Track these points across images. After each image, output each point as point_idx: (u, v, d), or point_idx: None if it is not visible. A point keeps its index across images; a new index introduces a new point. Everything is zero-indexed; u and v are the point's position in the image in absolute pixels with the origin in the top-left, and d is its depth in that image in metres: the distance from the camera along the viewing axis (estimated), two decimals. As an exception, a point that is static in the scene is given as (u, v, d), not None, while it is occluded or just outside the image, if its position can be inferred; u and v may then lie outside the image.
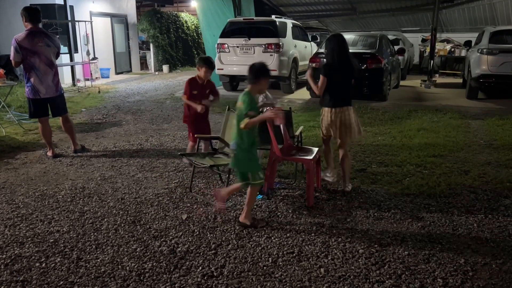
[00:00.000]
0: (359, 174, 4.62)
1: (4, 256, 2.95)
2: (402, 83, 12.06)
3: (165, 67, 16.92)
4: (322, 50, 9.76)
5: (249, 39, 10.11)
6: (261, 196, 3.97)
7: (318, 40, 13.57)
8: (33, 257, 2.93)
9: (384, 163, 5.02)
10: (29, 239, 3.19)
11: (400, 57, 11.83)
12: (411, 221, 3.50)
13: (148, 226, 3.41)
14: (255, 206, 3.78)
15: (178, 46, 18.17)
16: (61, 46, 11.05)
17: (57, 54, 5.24)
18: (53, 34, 5.30)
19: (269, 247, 3.09)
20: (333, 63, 4.09)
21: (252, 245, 3.11)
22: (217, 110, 8.52)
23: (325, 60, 4.13)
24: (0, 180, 4.47)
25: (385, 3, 16.49)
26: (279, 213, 3.65)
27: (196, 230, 3.34)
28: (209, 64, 4.65)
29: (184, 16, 19.17)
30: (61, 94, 5.31)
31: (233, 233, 3.30)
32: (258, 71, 3.33)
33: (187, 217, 3.57)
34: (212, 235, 3.27)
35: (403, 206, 3.81)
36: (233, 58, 10.38)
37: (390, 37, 12.87)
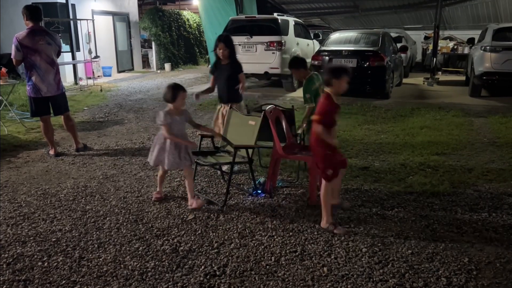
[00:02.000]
0: (361, 172, 4.61)
1: (6, 255, 2.95)
2: (404, 80, 12.02)
3: (167, 66, 16.90)
4: (324, 48, 9.75)
5: (251, 37, 10.09)
6: (263, 195, 3.96)
7: (320, 38, 13.55)
8: (35, 256, 2.93)
9: (387, 161, 5.00)
10: (31, 238, 3.19)
11: (402, 55, 11.79)
12: (414, 220, 3.48)
13: (150, 225, 3.40)
14: (257, 205, 3.77)
15: (180, 44, 18.14)
16: (63, 45, 11.01)
17: (58, 53, 5.23)
18: (54, 33, 5.28)
19: (271, 246, 3.07)
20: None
21: (255, 244, 3.10)
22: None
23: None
24: (2, 179, 4.47)
25: (388, 1, 16.45)
26: (281, 212, 3.64)
27: (198, 229, 3.32)
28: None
29: (186, 14, 19.14)
30: (62, 93, 5.30)
31: (235, 232, 3.29)
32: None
33: (192, 218, 3.55)
34: (214, 233, 3.26)
35: (406, 204, 3.79)
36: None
37: (393, 34, 12.82)
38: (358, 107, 8.31)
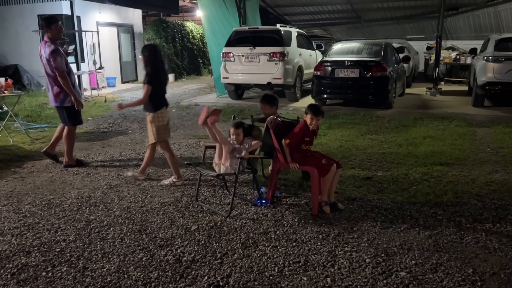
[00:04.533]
0: (365, 182, 4.61)
1: (11, 265, 2.96)
2: (407, 91, 12.04)
3: (171, 76, 17.00)
4: (327, 58, 9.80)
5: (254, 48, 10.17)
6: (268, 203, 3.97)
7: (323, 49, 13.62)
8: (39, 266, 2.94)
9: (390, 171, 5.00)
10: (36, 248, 3.20)
11: (405, 65, 11.84)
12: (418, 230, 3.48)
13: (154, 235, 3.41)
14: (260, 215, 3.78)
15: (184, 55, 18.29)
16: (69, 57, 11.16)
17: (50, 66, 4.91)
18: (50, 44, 4.93)
19: (275, 256, 3.07)
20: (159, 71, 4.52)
21: (258, 255, 3.10)
22: (222, 118, 8.54)
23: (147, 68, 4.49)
24: (7, 189, 4.50)
25: (390, 12, 16.57)
26: (285, 222, 3.64)
27: (201, 239, 3.33)
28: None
29: (190, 25, 19.32)
30: (61, 106, 5.13)
31: (239, 242, 3.29)
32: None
33: (196, 228, 3.56)
34: (217, 244, 3.26)
35: (410, 214, 3.79)
36: (238, 67, 10.44)
37: (395, 45, 12.89)
38: (361, 117, 8.32)
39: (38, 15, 11.79)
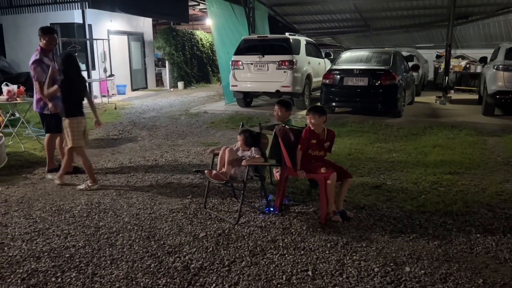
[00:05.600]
0: (374, 191, 4.59)
1: (21, 270, 2.99)
2: (417, 99, 12.00)
3: (180, 84, 17.15)
4: (336, 67, 9.82)
5: (263, 56, 10.23)
6: (277, 211, 3.97)
7: (332, 57, 13.65)
8: (49, 272, 2.97)
9: (399, 180, 4.97)
10: (46, 253, 3.23)
11: (414, 73, 11.80)
12: (427, 240, 3.45)
13: (162, 242, 3.42)
14: (268, 223, 3.78)
15: (193, 63, 18.43)
16: (80, 64, 11.33)
17: (33, 72, 4.99)
18: (37, 53, 5.03)
19: (283, 264, 3.07)
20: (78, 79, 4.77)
21: (266, 262, 3.09)
22: (231, 126, 8.58)
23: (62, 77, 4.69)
24: (19, 194, 4.56)
25: (399, 20, 16.55)
26: (293, 230, 3.64)
27: (209, 247, 3.34)
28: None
29: (199, 33, 19.49)
30: (40, 113, 5.23)
31: (246, 250, 3.29)
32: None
33: (204, 235, 3.57)
34: (225, 251, 3.27)
35: (419, 224, 3.76)
36: (247, 75, 10.49)
37: (404, 53, 12.87)
38: (369, 126, 8.30)
39: (51, 24, 11.99)
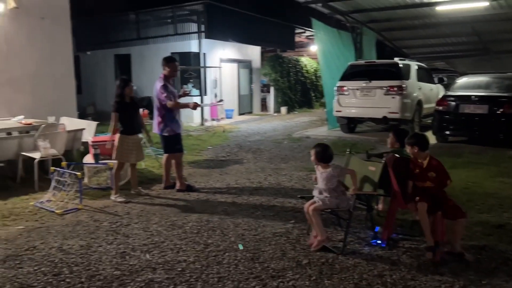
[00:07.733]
0: (496, 231, 4.13)
1: (139, 279, 3.26)
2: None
3: (283, 109, 17.51)
4: (451, 93, 9.21)
5: (370, 82, 10.02)
6: (384, 244, 3.79)
7: (445, 82, 12.84)
8: (163, 283, 3.19)
9: (527, 220, 4.42)
10: (161, 265, 3.48)
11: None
12: None
13: (266, 265, 3.47)
14: (375, 256, 3.61)
15: (297, 89, 18.73)
16: (193, 89, 12.30)
17: (158, 99, 5.55)
18: (162, 80, 5.56)
19: (391, 302, 2.90)
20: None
21: (372, 298, 2.95)
22: (333, 151, 8.46)
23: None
24: (138, 208, 5.02)
25: (525, 42, 15.02)
26: (402, 266, 3.42)
27: (313, 275, 3.29)
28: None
29: (304, 60, 19.80)
30: (161, 135, 5.70)
31: (351, 282, 3.18)
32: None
33: (307, 263, 3.55)
34: (329, 281, 3.19)
35: (554, 273, 3.28)
36: (352, 101, 10.35)
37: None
38: (489, 157, 7.55)
39: (171, 53, 13.21)
